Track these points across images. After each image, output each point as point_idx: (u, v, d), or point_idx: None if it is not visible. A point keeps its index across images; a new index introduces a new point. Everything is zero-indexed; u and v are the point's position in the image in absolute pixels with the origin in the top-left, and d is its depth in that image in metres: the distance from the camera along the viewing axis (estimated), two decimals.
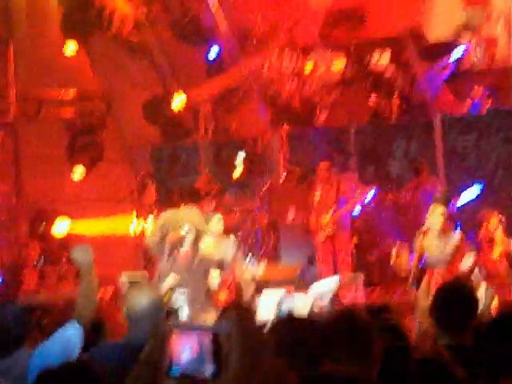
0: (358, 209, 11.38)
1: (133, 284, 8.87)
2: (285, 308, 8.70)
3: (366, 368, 3.16)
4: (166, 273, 7.44)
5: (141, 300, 3.93)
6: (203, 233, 7.78)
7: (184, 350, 2.14)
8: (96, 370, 2.72)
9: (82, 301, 4.17)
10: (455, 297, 4.44)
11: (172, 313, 4.89)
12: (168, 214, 7.58)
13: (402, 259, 8.71)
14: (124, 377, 2.75)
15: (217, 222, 8.58)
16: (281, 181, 13.37)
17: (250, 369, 2.08)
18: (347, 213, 11.21)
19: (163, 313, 4.03)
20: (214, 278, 7.90)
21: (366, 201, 11.25)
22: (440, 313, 4.44)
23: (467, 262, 8.36)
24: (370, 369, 3.20)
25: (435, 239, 8.49)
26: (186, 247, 7.45)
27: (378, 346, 3.36)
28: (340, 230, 11.15)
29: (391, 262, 8.95)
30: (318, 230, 11.18)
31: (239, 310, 4.73)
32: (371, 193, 11.25)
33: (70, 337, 4.03)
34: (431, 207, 8.74)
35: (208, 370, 2.09)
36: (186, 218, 7.41)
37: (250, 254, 12.32)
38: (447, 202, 10.03)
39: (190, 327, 2.17)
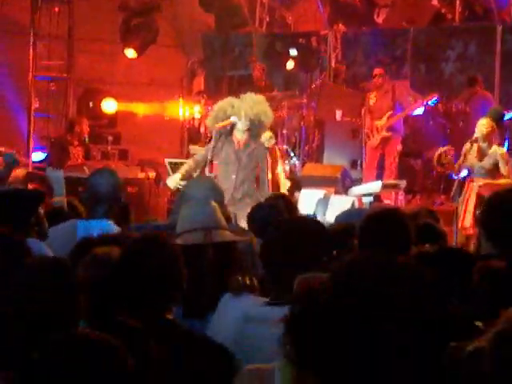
0: (417, 112, 11.19)
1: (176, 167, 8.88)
2: (321, 210, 8.72)
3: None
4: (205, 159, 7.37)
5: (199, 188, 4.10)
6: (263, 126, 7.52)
7: None
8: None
9: None
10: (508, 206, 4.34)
11: None
12: (230, 101, 7.41)
13: (447, 159, 8.52)
14: None
15: (268, 140, 8.16)
16: (331, 80, 13.21)
17: None
18: (402, 118, 11.10)
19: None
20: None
21: (426, 105, 10.99)
22: (489, 221, 4.35)
23: None
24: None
25: (478, 150, 8.38)
26: (239, 135, 7.34)
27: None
28: (392, 136, 11.06)
29: (434, 158, 8.72)
30: (373, 134, 11.11)
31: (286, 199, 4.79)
32: (433, 100, 10.97)
33: None
34: (481, 119, 8.60)
35: None
36: (246, 106, 7.24)
37: (292, 151, 12.35)
38: (499, 117, 9.81)
39: None
